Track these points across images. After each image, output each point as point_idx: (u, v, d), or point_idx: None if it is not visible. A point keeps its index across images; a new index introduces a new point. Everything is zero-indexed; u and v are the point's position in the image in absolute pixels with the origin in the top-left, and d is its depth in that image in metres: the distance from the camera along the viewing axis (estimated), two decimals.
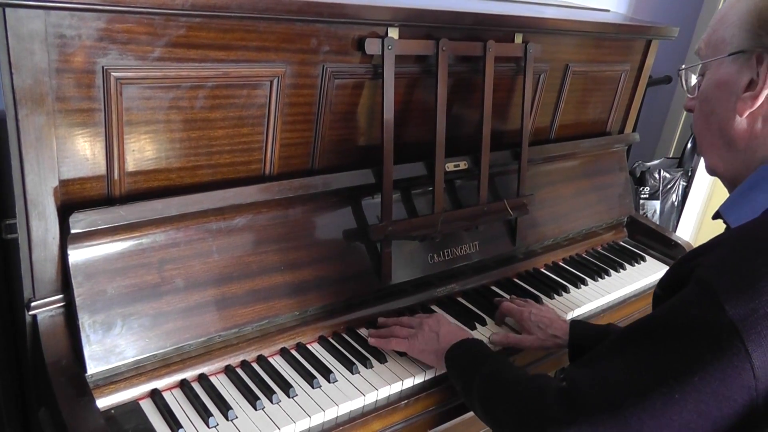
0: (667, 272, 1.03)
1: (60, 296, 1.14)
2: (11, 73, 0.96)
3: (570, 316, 1.65)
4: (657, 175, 2.70)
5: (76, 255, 1.11)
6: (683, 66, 1.14)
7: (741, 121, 0.98)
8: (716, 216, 1.06)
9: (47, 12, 0.96)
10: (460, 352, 1.27)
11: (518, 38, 1.65)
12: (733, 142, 1.01)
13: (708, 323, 0.83)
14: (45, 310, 1.13)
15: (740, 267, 0.85)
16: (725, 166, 1.05)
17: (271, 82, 1.26)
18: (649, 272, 1.94)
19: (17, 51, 0.95)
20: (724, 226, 1.04)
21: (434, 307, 1.57)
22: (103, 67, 1.06)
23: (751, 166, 0.99)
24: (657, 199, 2.70)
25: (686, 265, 0.94)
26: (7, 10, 0.92)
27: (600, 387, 0.92)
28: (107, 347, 1.12)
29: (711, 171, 1.11)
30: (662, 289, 1.02)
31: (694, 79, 1.09)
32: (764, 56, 0.94)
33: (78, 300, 1.11)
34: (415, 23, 1.42)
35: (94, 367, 1.11)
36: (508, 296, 1.65)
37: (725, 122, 1.00)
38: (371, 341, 1.39)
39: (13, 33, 0.94)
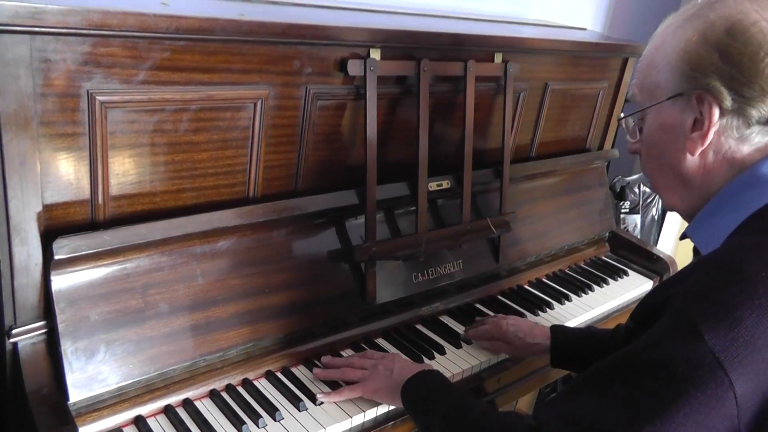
0: (639, 304, 1.03)
1: (42, 323, 1.12)
2: None
3: None
4: (637, 190, 2.73)
5: (60, 281, 1.10)
6: (622, 114, 1.16)
7: (693, 159, 0.99)
8: (684, 237, 1.08)
9: (32, 37, 0.96)
10: (417, 385, 1.21)
11: (498, 57, 1.66)
12: (687, 179, 1.02)
13: (689, 355, 0.81)
14: (26, 337, 1.12)
15: (716, 296, 0.84)
16: (684, 202, 1.06)
17: (255, 104, 1.26)
18: (633, 286, 1.96)
19: (2, 76, 0.95)
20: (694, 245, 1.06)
21: (419, 326, 1.57)
22: (87, 91, 1.05)
23: (709, 198, 1.01)
24: (637, 213, 2.73)
25: (659, 296, 0.94)
26: None
27: (572, 427, 0.88)
28: (90, 374, 1.11)
29: (669, 208, 1.12)
30: (635, 323, 1.02)
31: (634, 123, 1.09)
32: (704, 95, 0.95)
33: (61, 327, 1.09)
34: (397, 44, 1.43)
35: (76, 395, 1.09)
36: (492, 314, 1.65)
37: (677, 162, 1.01)
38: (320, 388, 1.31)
39: None
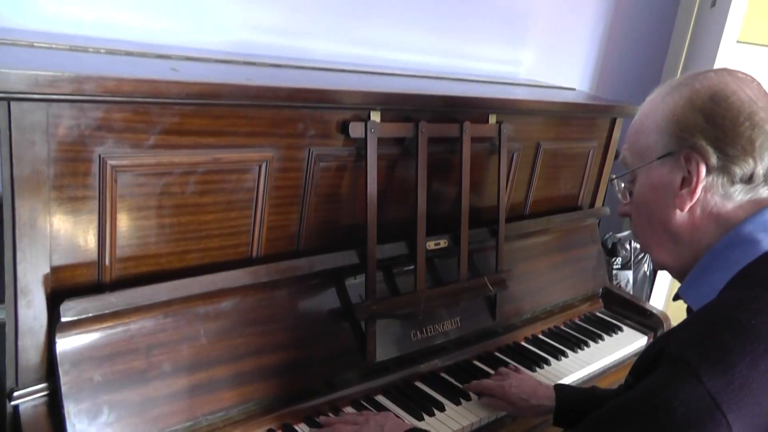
0: (637, 359, 1.07)
1: (44, 385, 1.12)
2: (11, 164, 0.97)
3: None
4: (628, 246, 2.77)
5: (64, 343, 1.10)
6: (614, 176, 1.22)
7: (682, 215, 1.06)
8: (677, 297, 1.12)
9: (49, 104, 0.98)
10: None
11: (492, 119, 1.71)
12: (677, 236, 1.08)
13: (687, 397, 0.85)
14: (28, 399, 1.11)
15: (710, 342, 0.88)
16: (674, 259, 1.12)
17: (260, 167, 1.29)
18: (628, 342, 1.98)
19: (19, 142, 0.97)
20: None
21: (418, 384, 1.57)
22: (99, 156, 1.07)
23: (699, 254, 1.06)
24: (629, 269, 2.77)
25: (654, 347, 0.98)
26: (12, 103, 0.94)
27: None
28: None
29: (660, 266, 1.17)
30: (634, 377, 1.05)
31: (625, 185, 1.17)
32: (691, 154, 1.02)
33: (64, 388, 1.09)
34: (396, 106, 1.47)
35: None
36: (490, 370, 1.66)
37: (667, 219, 1.08)
38: None
39: (16, 125, 0.96)
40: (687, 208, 1.05)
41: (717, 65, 2.84)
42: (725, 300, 0.97)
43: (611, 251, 2.75)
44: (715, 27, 2.86)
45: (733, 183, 1.02)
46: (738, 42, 2.90)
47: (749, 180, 1.01)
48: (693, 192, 1.03)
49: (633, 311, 2.12)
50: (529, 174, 1.95)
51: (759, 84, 1.06)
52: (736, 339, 0.87)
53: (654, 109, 1.09)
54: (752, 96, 1.02)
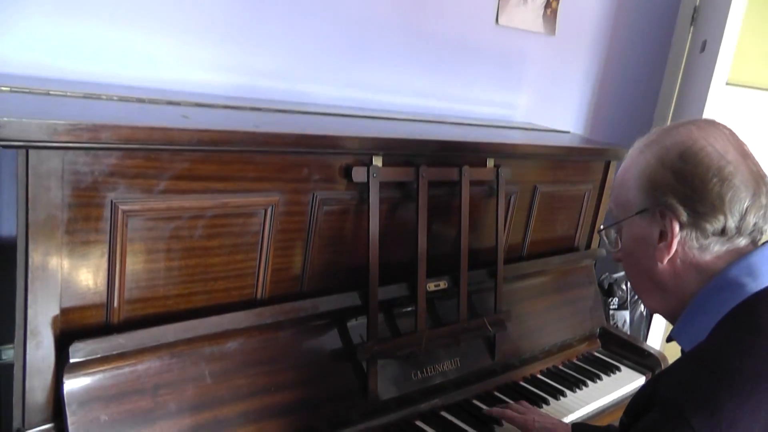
0: (632, 399, 1.11)
1: (50, 425, 1.13)
2: (27, 209, 1.00)
3: None
4: (624, 287, 2.80)
5: (72, 383, 1.11)
6: (602, 226, 1.28)
7: (664, 267, 1.11)
8: (669, 339, 1.17)
9: (65, 151, 1.02)
10: None
11: (490, 162, 1.76)
12: (662, 284, 1.13)
13: None
14: None
15: (699, 384, 0.93)
16: (662, 305, 1.17)
17: (266, 210, 1.32)
18: (626, 382, 1.99)
19: (35, 187, 1.00)
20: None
21: (418, 423, 1.58)
22: (111, 201, 1.11)
23: (685, 300, 1.11)
24: (626, 309, 2.79)
25: (649, 390, 1.02)
26: (31, 150, 0.98)
27: None
28: None
29: (652, 311, 1.23)
30: (629, 417, 1.09)
31: (614, 234, 1.23)
32: (665, 211, 1.08)
33: (71, 428, 1.10)
34: (397, 151, 1.52)
35: None
36: (486, 407, 1.67)
37: (651, 269, 1.13)
38: None
39: (33, 171, 0.99)
40: (666, 260, 1.10)
41: (707, 108, 2.90)
42: (713, 342, 1.01)
43: (608, 292, 2.78)
44: (705, 70, 2.92)
45: (706, 237, 1.07)
46: (727, 84, 2.97)
47: (722, 233, 1.06)
48: (669, 246, 1.08)
49: (630, 351, 2.14)
50: (527, 216, 1.99)
51: (730, 133, 1.11)
52: (723, 380, 0.91)
53: (631, 165, 1.15)
54: (720, 150, 1.06)
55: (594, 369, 2.02)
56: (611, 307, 2.77)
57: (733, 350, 0.95)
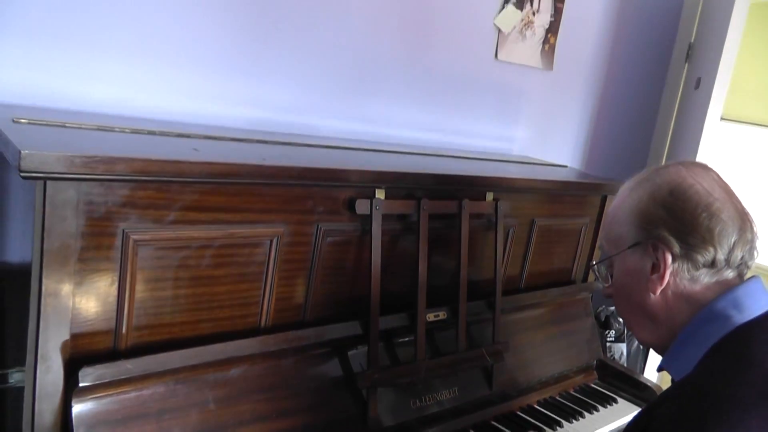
0: (626, 429, 1.14)
1: None
2: (43, 237, 1.04)
3: None
4: (621, 319, 2.83)
5: (80, 407, 1.14)
6: (594, 261, 1.33)
7: (655, 298, 1.16)
8: (660, 369, 1.21)
9: (81, 182, 1.06)
10: None
11: (489, 196, 1.80)
12: (654, 316, 1.18)
13: None
14: None
15: (687, 416, 0.96)
16: (654, 337, 1.21)
17: (271, 241, 1.36)
18: (622, 413, 2.01)
19: (51, 217, 1.04)
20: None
21: None
22: (123, 230, 1.14)
23: (675, 330, 1.16)
24: (623, 341, 2.82)
25: (643, 421, 1.06)
26: (48, 182, 1.02)
27: None
28: None
29: (643, 343, 1.27)
30: None
31: (605, 270, 1.28)
32: (658, 244, 1.13)
33: None
34: (399, 185, 1.56)
35: None
36: None
37: (643, 301, 1.18)
38: None
39: (50, 201, 1.03)
40: (659, 291, 1.15)
41: (702, 142, 2.95)
42: (701, 373, 1.05)
43: (604, 324, 2.80)
44: (700, 106, 2.98)
45: (697, 268, 1.12)
46: (722, 119, 3.03)
47: (712, 265, 1.11)
48: (662, 277, 1.13)
49: (627, 383, 2.16)
50: (525, 249, 2.03)
51: (715, 174, 1.18)
52: (710, 409, 0.94)
53: (623, 201, 1.21)
54: (708, 188, 1.13)
55: (591, 400, 2.04)
56: (608, 339, 2.80)
57: (719, 380, 0.99)
